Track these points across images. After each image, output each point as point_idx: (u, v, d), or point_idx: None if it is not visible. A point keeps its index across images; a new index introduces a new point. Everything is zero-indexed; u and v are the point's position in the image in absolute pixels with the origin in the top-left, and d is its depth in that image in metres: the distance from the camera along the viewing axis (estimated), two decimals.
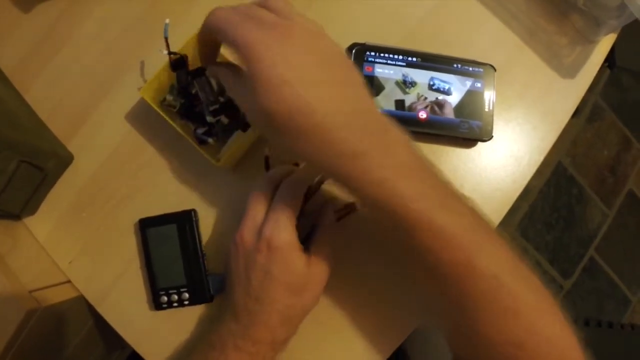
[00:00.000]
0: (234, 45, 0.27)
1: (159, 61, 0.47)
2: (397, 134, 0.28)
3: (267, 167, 0.42)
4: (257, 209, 0.37)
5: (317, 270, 0.37)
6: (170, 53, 0.40)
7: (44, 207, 0.46)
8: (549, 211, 1.25)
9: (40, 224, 0.46)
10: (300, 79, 0.26)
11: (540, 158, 0.46)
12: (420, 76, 0.44)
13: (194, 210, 0.43)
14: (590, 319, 1.17)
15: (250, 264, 0.35)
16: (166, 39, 0.40)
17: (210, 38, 0.32)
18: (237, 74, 0.30)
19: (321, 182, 0.40)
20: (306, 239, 0.39)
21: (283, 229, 0.34)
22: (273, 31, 0.26)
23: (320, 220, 0.39)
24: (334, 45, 0.29)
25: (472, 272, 0.25)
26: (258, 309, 0.35)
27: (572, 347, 0.27)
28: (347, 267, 0.43)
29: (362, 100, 0.28)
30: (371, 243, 0.43)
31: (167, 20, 0.40)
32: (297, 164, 0.41)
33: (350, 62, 0.30)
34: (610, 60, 1.07)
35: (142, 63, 0.47)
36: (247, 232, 0.36)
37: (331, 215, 0.40)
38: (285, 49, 0.26)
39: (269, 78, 0.25)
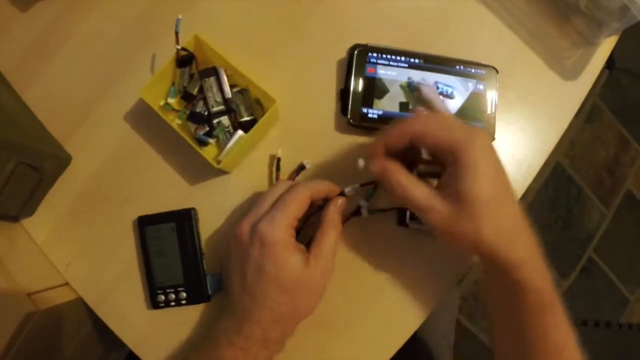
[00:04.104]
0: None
1: (158, 62, 0.46)
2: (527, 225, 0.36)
3: (278, 167, 0.43)
4: (262, 206, 0.37)
5: (314, 270, 0.36)
6: (180, 49, 0.40)
7: (42, 208, 0.45)
8: (547, 211, 1.25)
9: (39, 226, 0.45)
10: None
11: (541, 160, 0.45)
12: (424, 80, 0.44)
13: (193, 208, 0.43)
14: (588, 319, 1.18)
15: (245, 258, 0.36)
16: (177, 33, 0.40)
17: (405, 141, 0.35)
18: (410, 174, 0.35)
19: (342, 194, 0.39)
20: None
21: (277, 226, 0.35)
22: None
23: (321, 218, 0.39)
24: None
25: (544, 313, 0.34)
26: (252, 305, 0.35)
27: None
28: (347, 269, 0.43)
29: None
30: (372, 248, 0.43)
31: (180, 16, 0.40)
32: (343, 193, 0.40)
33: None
34: (609, 61, 1.07)
35: (142, 63, 0.46)
36: (247, 226, 0.37)
37: (332, 213, 0.38)
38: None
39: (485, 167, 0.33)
